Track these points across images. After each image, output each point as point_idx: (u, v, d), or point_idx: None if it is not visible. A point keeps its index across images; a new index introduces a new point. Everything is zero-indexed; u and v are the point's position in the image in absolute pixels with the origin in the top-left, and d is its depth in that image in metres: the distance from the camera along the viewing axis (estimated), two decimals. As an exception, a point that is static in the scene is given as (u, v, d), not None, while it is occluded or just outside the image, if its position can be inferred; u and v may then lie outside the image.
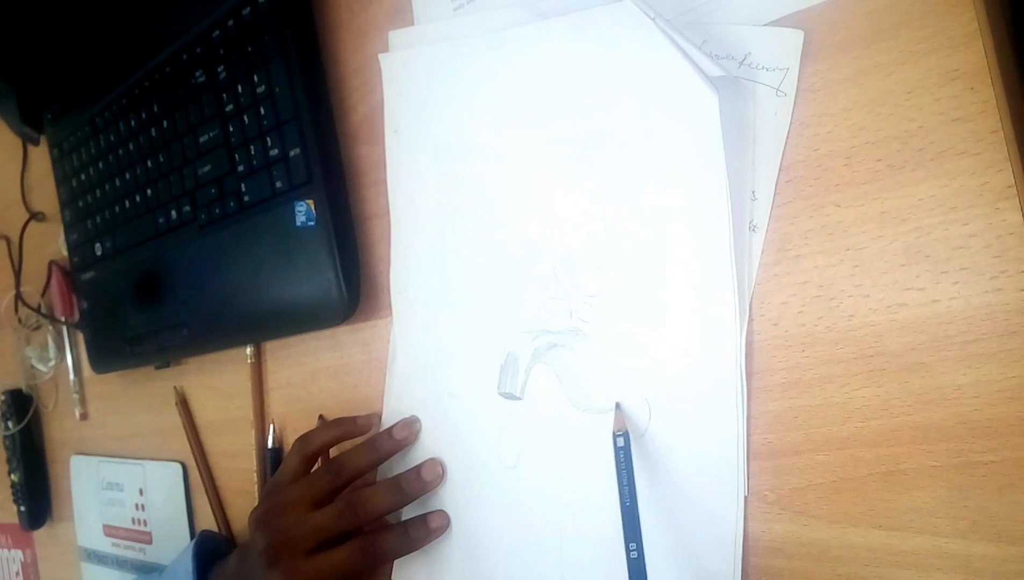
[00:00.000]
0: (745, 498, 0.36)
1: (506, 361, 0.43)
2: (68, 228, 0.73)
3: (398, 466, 0.48)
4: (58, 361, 0.81)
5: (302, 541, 0.44)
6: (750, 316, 0.36)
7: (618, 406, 0.38)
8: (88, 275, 0.72)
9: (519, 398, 0.43)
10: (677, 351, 0.37)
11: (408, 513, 0.47)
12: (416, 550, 0.46)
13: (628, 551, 0.35)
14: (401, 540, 0.45)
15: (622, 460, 0.37)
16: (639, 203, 0.38)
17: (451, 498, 0.46)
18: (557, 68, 0.40)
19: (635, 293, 0.38)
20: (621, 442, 0.37)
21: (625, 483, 0.36)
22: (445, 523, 0.46)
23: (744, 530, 0.36)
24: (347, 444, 0.50)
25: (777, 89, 0.34)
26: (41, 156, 0.79)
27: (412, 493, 0.46)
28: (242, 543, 0.52)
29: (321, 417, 0.54)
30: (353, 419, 0.49)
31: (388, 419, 0.49)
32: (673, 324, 0.37)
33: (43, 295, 0.80)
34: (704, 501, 0.36)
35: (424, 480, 0.46)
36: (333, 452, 0.51)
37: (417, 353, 0.48)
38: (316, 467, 0.49)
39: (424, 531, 0.45)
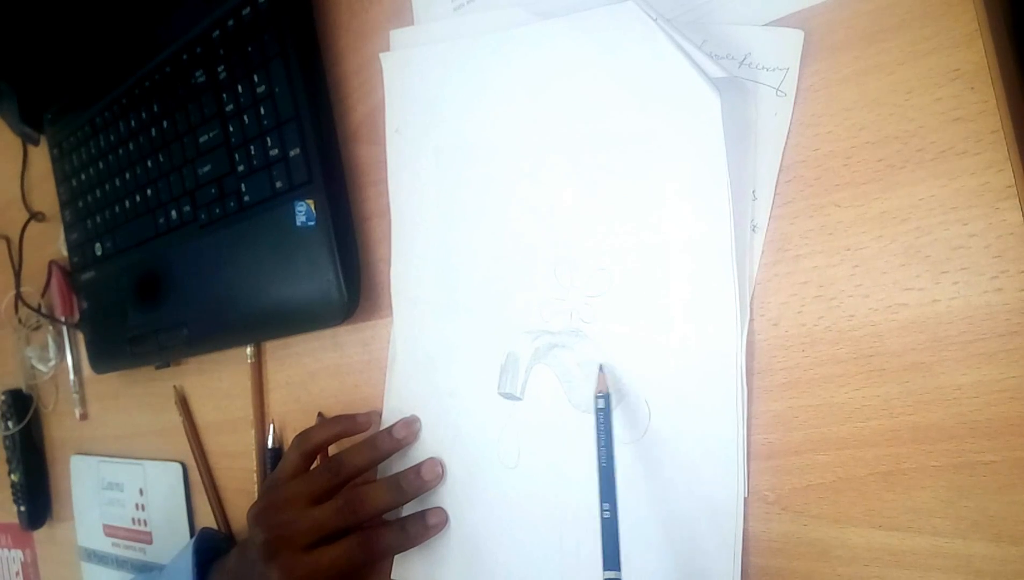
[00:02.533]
0: (745, 498, 0.36)
1: (506, 361, 0.43)
2: (68, 228, 0.73)
3: (398, 465, 0.48)
4: (58, 361, 0.81)
5: (300, 536, 0.44)
6: (750, 316, 0.36)
7: (601, 368, 0.39)
8: (88, 275, 0.72)
9: (519, 398, 0.43)
10: (677, 351, 0.37)
11: (407, 511, 0.47)
12: (414, 546, 0.46)
13: (602, 511, 0.36)
14: (399, 536, 0.46)
15: (602, 421, 0.37)
16: (640, 204, 0.38)
17: (451, 497, 0.46)
18: (559, 68, 0.40)
19: (636, 294, 0.38)
20: (602, 403, 0.37)
21: (603, 444, 0.37)
22: (443, 520, 0.46)
23: (744, 530, 0.36)
24: (347, 442, 0.50)
25: (777, 89, 0.34)
26: (41, 156, 0.79)
27: (411, 492, 0.46)
28: (242, 540, 0.52)
29: (320, 414, 0.54)
30: (353, 417, 0.49)
31: (388, 418, 0.49)
32: (674, 325, 0.37)
33: (43, 295, 0.80)
34: (704, 501, 0.36)
35: (423, 479, 0.46)
36: (333, 450, 0.51)
37: (417, 353, 0.48)
38: (315, 464, 0.49)
39: (422, 527, 0.45)
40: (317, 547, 0.44)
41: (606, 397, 0.37)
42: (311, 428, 0.50)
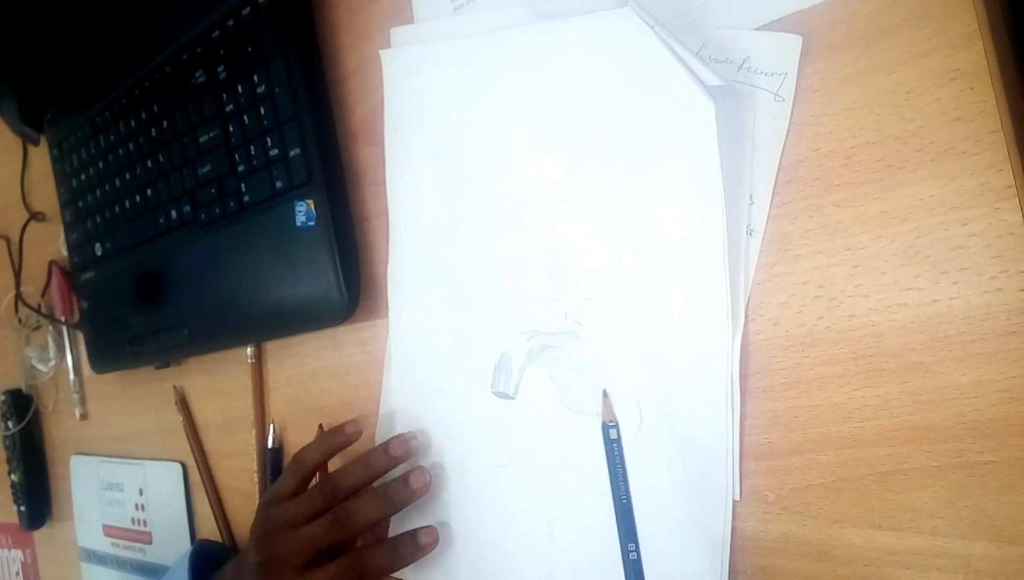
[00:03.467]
0: (735, 501, 0.36)
1: (500, 360, 0.43)
2: (68, 228, 0.73)
3: (394, 473, 0.48)
4: (58, 361, 0.81)
5: (293, 557, 0.45)
6: (750, 316, 0.35)
7: (605, 394, 0.37)
8: (88, 275, 0.72)
9: (512, 398, 0.43)
10: (669, 355, 0.37)
11: (405, 517, 0.47)
12: (405, 566, 0.46)
13: (627, 552, 0.34)
14: (390, 556, 0.45)
15: (616, 453, 0.34)
16: (635, 208, 0.38)
17: (443, 495, 0.46)
18: (557, 71, 0.40)
19: (629, 297, 0.38)
20: (613, 434, 0.35)
21: (620, 479, 0.34)
22: (434, 540, 0.46)
23: (743, 531, 0.36)
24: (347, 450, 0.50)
25: (775, 94, 0.34)
26: (41, 156, 0.79)
27: (400, 502, 0.46)
28: (235, 557, 0.52)
29: (321, 427, 0.53)
30: (341, 429, 0.49)
31: (384, 416, 0.49)
32: (666, 328, 0.37)
33: (43, 295, 0.80)
34: (694, 504, 0.36)
35: (411, 488, 0.46)
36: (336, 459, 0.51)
37: (413, 350, 0.48)
38: (314, 482, 0.49)
39: (413, 547, 0.45)
40: (311, 568, 0.45)
41: (616, 426, 0.35)
42: (306, 448, 0.50)
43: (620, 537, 0.34)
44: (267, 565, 0.45)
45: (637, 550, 0.34)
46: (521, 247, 0.42)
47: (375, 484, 0.48)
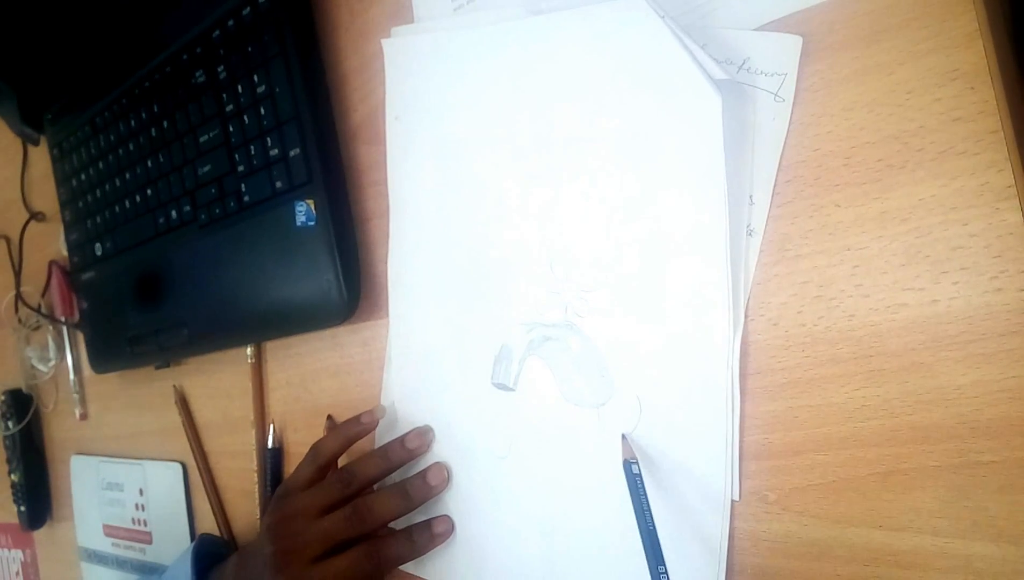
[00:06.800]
0: (735, 501, 0.36)
1: (500, 352, 0.43)
2: (68, 228, 0.74)
3: (404, 467, 0.48)
4: (58, 361, 0.81)
5: (309, 547, 0.45)
6: (750, 316, 0.35)
7: (624, 437, 0.38)
8: (88, 275, 0.72)
9: (512, 389, 0.43)
10: (670, 351, 0.37)
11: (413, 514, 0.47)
12: (421, 556, 0.46)
13: (657, 575, 0.34)
14: (406, 546, 0.46)
15: (639, 487, 0.36)
16: (637, 201, 0.38)
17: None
18: (562, 61, 0.40)
19: (630, 290, 0.38)
20: (635, 469, 0.36)
21: (645, 509, 0.35)
22: (450, 528, 0.46)
23: (744, 530, 0.36)
24: (358, 447, 0.49)
25: (775, 95, 0.34)
26: (41, 156, 0.79)
27: (418, 498, 0.46)
28: (242, 547, 0.52)
29: (330, 417, 0.53)
30: (357, 419, 0.49)
31: (385, 406, 0.49)
32: (666, 323, 0.37)
33: (43, 295, 0.80)
34: (692, 501, 0.36)
35: (430, 485, 0.46)
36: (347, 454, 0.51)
37: (413, 342, 0.48)
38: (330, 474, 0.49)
39: (428, 537, 0.46)
40: (326, 558, 0.45)
41: (637, 463, 0.37)
42: (323, 440, 0.50)
43: (649, 562, 0.34)
44: (282, 553, 0.45)
45: (667, 572, 0.34)
46: (522, 239, 0.42)
47: (390, 477, 0.48)
